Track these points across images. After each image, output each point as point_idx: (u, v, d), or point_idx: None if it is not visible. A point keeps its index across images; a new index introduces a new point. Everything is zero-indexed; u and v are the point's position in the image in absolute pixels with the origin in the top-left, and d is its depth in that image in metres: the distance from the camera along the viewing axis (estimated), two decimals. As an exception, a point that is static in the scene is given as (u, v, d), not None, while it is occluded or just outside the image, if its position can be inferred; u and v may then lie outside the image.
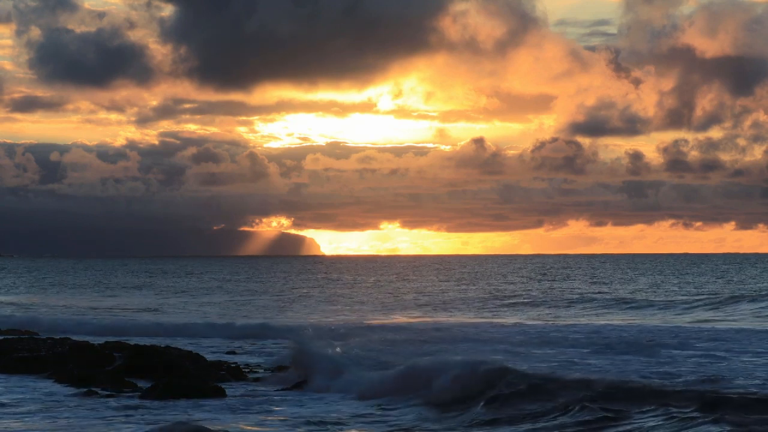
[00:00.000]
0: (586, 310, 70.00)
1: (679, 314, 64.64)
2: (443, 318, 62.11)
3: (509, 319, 60.63)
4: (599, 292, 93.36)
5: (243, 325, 55.40)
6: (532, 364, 34.70)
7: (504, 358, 36.89)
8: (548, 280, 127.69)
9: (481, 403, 25.37)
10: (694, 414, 21.60)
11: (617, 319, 60.68)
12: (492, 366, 27.42)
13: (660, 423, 21.41)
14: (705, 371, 32.20)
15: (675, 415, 21.73)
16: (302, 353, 32.38)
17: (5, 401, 27.45)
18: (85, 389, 29.21)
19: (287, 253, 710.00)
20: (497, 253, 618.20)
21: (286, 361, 33.58)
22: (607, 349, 40.11)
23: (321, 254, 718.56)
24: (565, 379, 26.18)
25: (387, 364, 30.54)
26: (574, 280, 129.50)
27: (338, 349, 33.29)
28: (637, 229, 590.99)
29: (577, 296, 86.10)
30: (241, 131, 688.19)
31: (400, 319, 61.31)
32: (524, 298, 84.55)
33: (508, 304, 76.58)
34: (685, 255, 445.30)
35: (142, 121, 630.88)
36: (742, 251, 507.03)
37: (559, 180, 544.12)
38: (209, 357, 37.10)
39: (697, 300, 75.92)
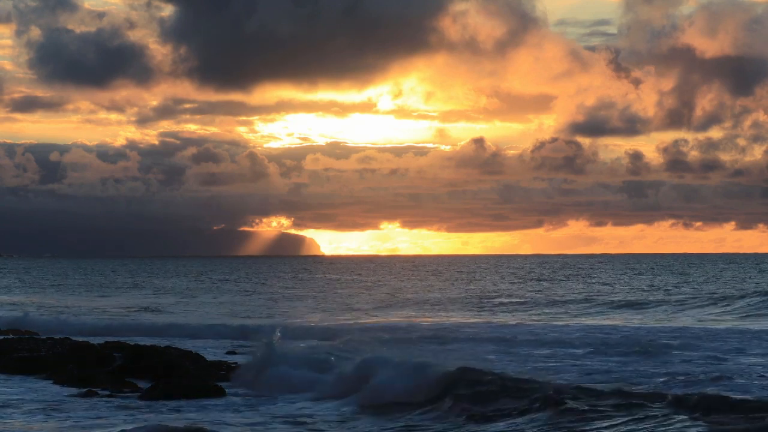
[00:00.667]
0: (584, 310, 70.09)
1: (677, 314, 64.73)
2: (440, 318, 62.22)
3: (507, 319, 60.74)
4: (598, 293, 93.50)
5: (243, 326, 55.49)
6: (521, 365, 34.91)
7: (495, 359, 37.13)
8: (547, 280, 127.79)
9: (435, 404, 25.39)
10: (673, 413, 21.62)
11: (615, 319, 60.78)
12: (450, 368, 27.35)
13: (638, 420, 21.42)
14: (698, 372, 32.32)
15: (655, 413, 21.75)
16: (267, 353, 32.27)
17: (5, 401, 27.54)
18: (85, 389, 29.31)
19: (287, 253, 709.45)
20: (497, 253, 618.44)
21: (255, 361, 33.19)
22: (604, 349, 40.23)
23: (321, 254, 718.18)
24: (539, 380, 26.23)
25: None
26: (573, 280, 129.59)
27: (315, 349, 33.32)
28: (637, 229, 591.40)
29: (576, 296, 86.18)
30: (241, 131, 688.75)
31: (396, 318, 61.42)
32: (522, 298, 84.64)
33: (506, 304, 76.64)
34: (685, 255, 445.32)
35: (142, 121, 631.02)
36: (742, 251, 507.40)
37: (559, 180, 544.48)
38: (209, 357, 37.19)
39: (696, 300, 76.01)
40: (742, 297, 75.39)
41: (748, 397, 24.95)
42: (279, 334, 34.96)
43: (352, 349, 32.90)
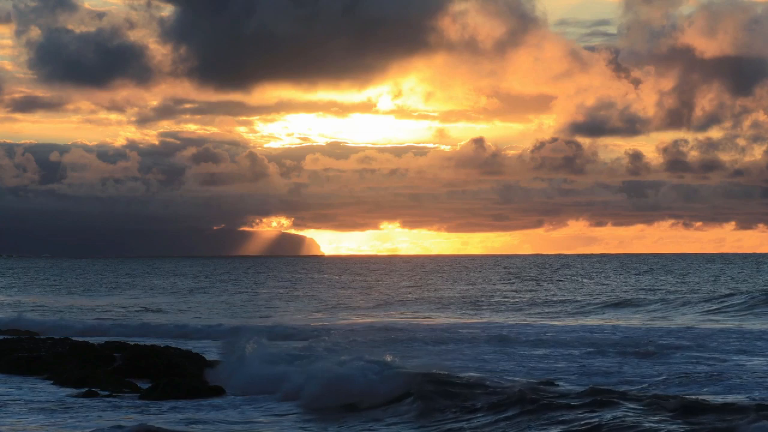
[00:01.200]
0: (582, 310, 70.16)
1: (676, 314, 64.79)
2: (438, 318, 62.29)
3: (505, 319, 60.80)
4: (597, 293, 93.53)
5: (242, 326, 55.49)
6: (518, 366, 35.02)
7: (492, 359, 37.21)
8: (546, 281, 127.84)
9: (399, 404, 25.58)
10: (653, 413, 21.69)
11: (613, 319, 60.86)
12: (416, 369, 27.50)
13: (617, 418, 21.47)
14: (696, 371, 32.41)
15: (638, 413, 21.78)
16: (237, 355, 32.26)
17: (5, 401, 27.63)
18: (85, 389, 29.41)
19: (287, 253, 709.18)
20: (497, 253, 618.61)
21: (227, 362, 33.13)
22: (602, 349, 40.33)
23: (321, 254, 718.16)
24: (508, 380, 26.37)
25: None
26: (572, 280, 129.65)
27: (302, 350, 33.34)
28: (637, 229, 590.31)
29: (574, 296, 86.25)
30: (241, 131, 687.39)
31: (393, 318, 61.50)
32: (521, 298, 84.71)
33: (505, 304, 76.72)
34: (685, 255, 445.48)
35: (142, 121, 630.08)
36: (742, 251, 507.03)
37: (559, 180, 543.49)
38: (209, 357, 37.27)
39: (695, 299, 76.06)
40: (741, 296, 75.44)
41: (735, 398, 25.01)
42: (254, 336, 34.86)
43: (338, 350, 33.00)
